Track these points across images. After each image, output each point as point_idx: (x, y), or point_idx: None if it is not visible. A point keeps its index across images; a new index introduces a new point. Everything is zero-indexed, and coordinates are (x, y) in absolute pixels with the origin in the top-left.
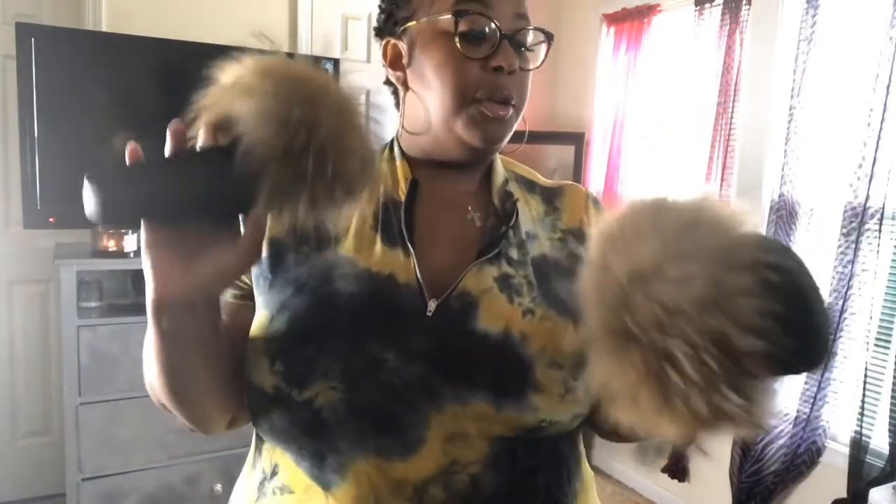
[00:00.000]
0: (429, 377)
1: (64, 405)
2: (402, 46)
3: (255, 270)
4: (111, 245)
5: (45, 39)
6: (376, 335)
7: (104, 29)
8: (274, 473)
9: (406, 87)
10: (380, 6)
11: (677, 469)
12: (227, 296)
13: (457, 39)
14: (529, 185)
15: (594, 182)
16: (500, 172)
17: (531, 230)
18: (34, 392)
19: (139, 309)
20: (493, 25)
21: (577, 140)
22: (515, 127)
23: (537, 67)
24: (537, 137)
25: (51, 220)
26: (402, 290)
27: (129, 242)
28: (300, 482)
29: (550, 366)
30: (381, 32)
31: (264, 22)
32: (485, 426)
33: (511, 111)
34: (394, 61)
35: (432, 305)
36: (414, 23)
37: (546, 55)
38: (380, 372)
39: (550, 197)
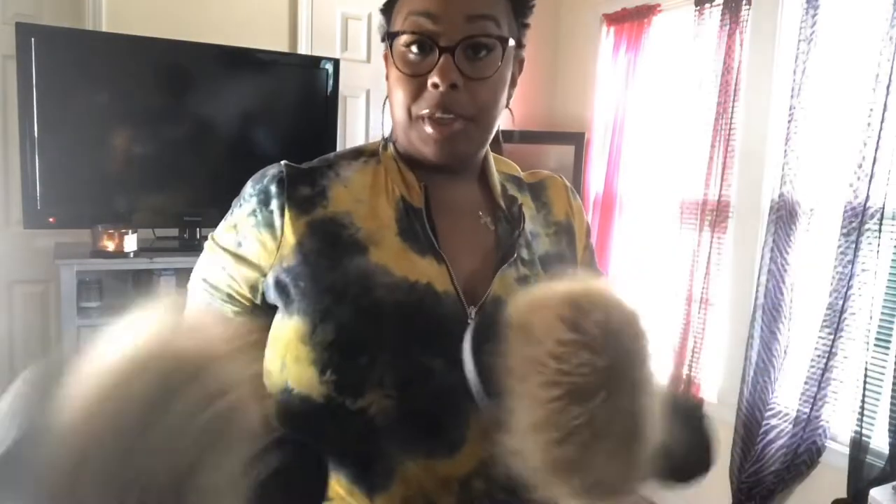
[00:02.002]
0: None
1: None
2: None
3: (279, 278)
4: (111, 245)
5: (45, 39)
6: (425, 344)
7: (104, 29)
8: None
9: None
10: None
11: None
12: (228, 311)
13: (396, 60)
14: (519, 184)
15: (594, 182)
16: (495, 174)
17: (533, 230)
18: None
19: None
20: (429, 42)
21: (577, 140)
22: (493, 130)
23: (490, 76)
24: (537, 137)
25: (51, 220)
26: (442, 299)
27: (129, 242)
28: (337, 489)
29: None
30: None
31: (264, 22)
32: None
33: (459, 124)
34: (387, 74)
35: (472, 313)
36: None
37: (501, 61)
38: (429, 379)
39: (537, 192)
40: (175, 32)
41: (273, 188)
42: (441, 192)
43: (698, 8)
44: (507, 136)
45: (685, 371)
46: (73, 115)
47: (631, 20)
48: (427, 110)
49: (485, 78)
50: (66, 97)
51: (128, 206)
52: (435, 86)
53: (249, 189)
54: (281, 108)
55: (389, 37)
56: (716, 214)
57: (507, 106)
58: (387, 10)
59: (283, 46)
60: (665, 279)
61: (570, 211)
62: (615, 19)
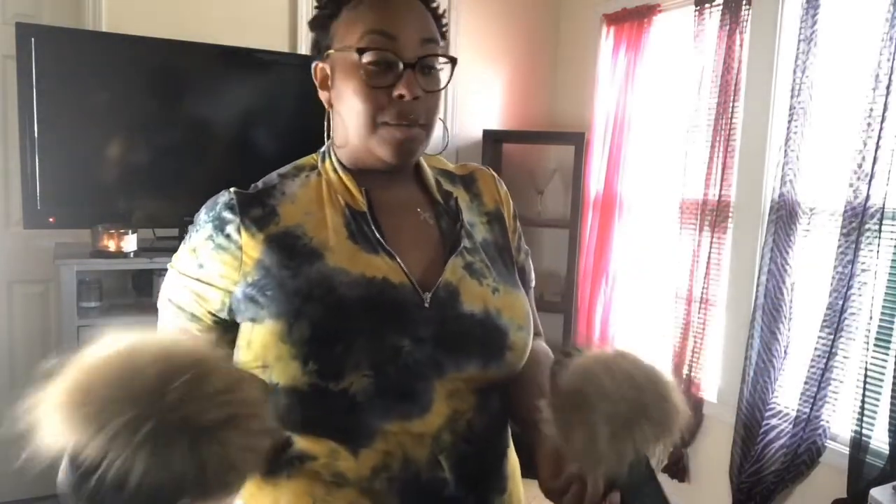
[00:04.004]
0: (435, 355)
1: None
2: (327, 70)
3: (246, 292)
4: (111, 245)
5: (45, 39)
6: (392, 328)
7: (104, 29)
8: (289, 444)
9: (331, 106)
10: (311, 31)
11: (677, 469)
12: (193, 329)
13: (362, 72)
14: (451, 177)
15: (594, 182)
16: (429, 172)
17: (470, 219)
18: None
19: (139, 309)
20: (394, 58)
21: (577, 140)
22: (429, 139)
23: (443, 89)
24: (537, 137)
25: (51, 220)
26: (399, 289)
27: (129, 242)
28: (323, 448)
29: (518, 330)
30: (312, 55)
31: (264, 22)
32: (472, 383)
33: (417, 131)
34: (322, 82)
35: (427, 298)
36: (332, 51)
37: (450, 78)
38: (399, 357)
39: (468, 184)
40: (175, 32)
41: (227, 214)
42: (382, 194)
43: (698, 8)
44: (508, 136)
45: (685, 371)
46: (73, 115)
47: (631, 20)
48: (389, 118)
49: (436, 91)
50: (66, 97)
51: (128, 206)
52: (401, 97)
53: (204, 216)
54: (281, 107)
55: (358, 52)
56: (716, 214)
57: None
58: (322, 26)
59: (283, 46)
60: (665, 279)
61: (498, 199)
62: (615, 19)
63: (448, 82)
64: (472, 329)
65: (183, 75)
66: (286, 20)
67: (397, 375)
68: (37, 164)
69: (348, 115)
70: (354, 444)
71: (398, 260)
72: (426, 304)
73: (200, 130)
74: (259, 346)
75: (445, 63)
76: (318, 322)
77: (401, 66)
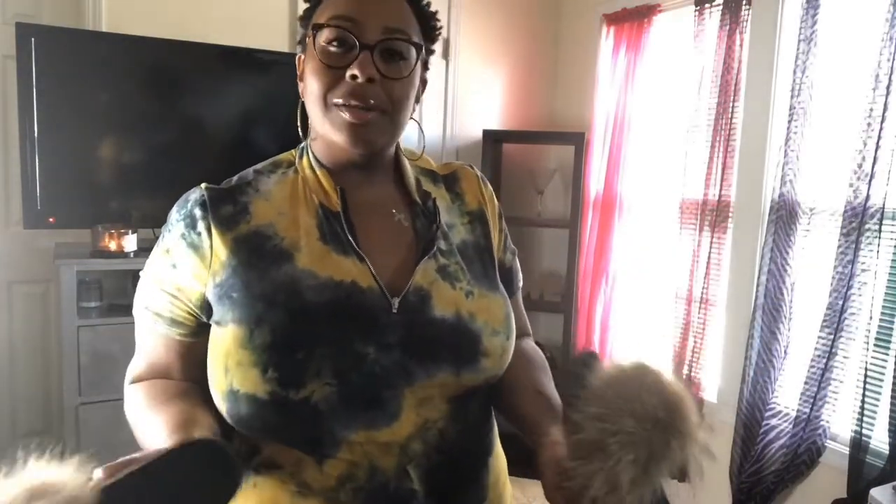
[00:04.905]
0: (403, 362)
1: (64, 405)
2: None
3: (214, 292)
4: (111, 245)
5: (45, 39)
6: (357, 334)
7: (104, 29)
8: (255, 452)
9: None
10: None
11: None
12: (174, 335)
13: (317, 50)
14: (433, 177)
15: (594, 182)
16: (409, 171)
17: (448, 220)
18: (34, 392)
19: None
20: (352, 38)
21: (577, 140)
22: (399, 129)
23: (405, 77)
24: (537, 137)
25: (51, 220)
26: (367, 294)
27: (129, 242)
28: (289, 457)
29: (493, 334)
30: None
31: (264, 22)
32: (445, 390)
33: (375, 115)
34: (300, 75)
35: (396, 303)
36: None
37: (415, 64)
38: (364, 364)
39: (451, 184)
40: (175, 32)
41: (197, 211)
42: (358, 194)
43: (698, 8)
44: (508, 136)
45: (685, 371)
46: (73, 115)
47: (631, 20)
48: (342, 99)
49: (399, 78)
50: (66, 97)
51: (128, 206)
52: (354, 77)
53: (175, 215)
54: (281, 108)
55: (313, 29)
56: (716, 214)
57: (411, 117)
58: (306, 18)
59: (283, 46)
60: (665, 279)
61: (481, 199)
62: (615, 19)
63: (413, 69)
64: (442, 335)
65: (183, 75)
66: (286, 20)
67: (362, 383)
68: (37, 164)
69: (308, 98)
70: (319, 454)
71: (368, 263)
72: (394, 310)
73: (200, 130)
74: (222, 350)
75: (435, 59)
76: (280, 328)
77: (357, 47)
